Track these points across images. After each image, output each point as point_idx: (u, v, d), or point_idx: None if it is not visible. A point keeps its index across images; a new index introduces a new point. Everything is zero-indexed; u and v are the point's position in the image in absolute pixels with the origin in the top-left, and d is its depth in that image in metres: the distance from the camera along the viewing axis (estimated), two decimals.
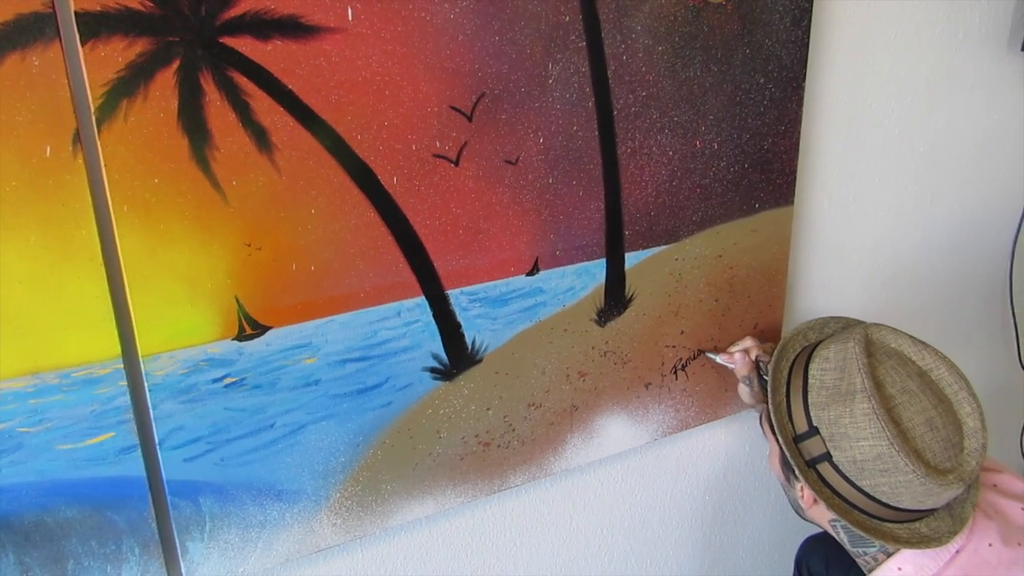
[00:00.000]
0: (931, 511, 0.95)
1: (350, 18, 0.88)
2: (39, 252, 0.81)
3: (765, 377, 1.15)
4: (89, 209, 0.82)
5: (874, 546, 0.97)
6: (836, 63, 1.27)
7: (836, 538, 1.03)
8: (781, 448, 1.01)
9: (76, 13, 0.77)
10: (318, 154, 0.91)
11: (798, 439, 0.98)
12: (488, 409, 1.12)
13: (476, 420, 1.11)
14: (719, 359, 1.25)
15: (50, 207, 0.80)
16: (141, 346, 0.88)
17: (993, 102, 1.47)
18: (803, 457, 0.97)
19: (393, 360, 1.03)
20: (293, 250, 0.93)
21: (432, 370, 1.06)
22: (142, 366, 0.89)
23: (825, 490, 0.95)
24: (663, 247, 1.18)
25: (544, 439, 1.18)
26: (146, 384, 0.89)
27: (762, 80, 1.17)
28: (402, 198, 0.97)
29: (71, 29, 0.77)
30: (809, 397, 0.97)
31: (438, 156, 0.98)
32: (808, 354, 1.03)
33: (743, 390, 1.24)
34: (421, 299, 1.02)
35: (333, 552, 1.10)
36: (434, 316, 1.04)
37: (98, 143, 0.81)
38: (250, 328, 0.93)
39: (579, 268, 1.12)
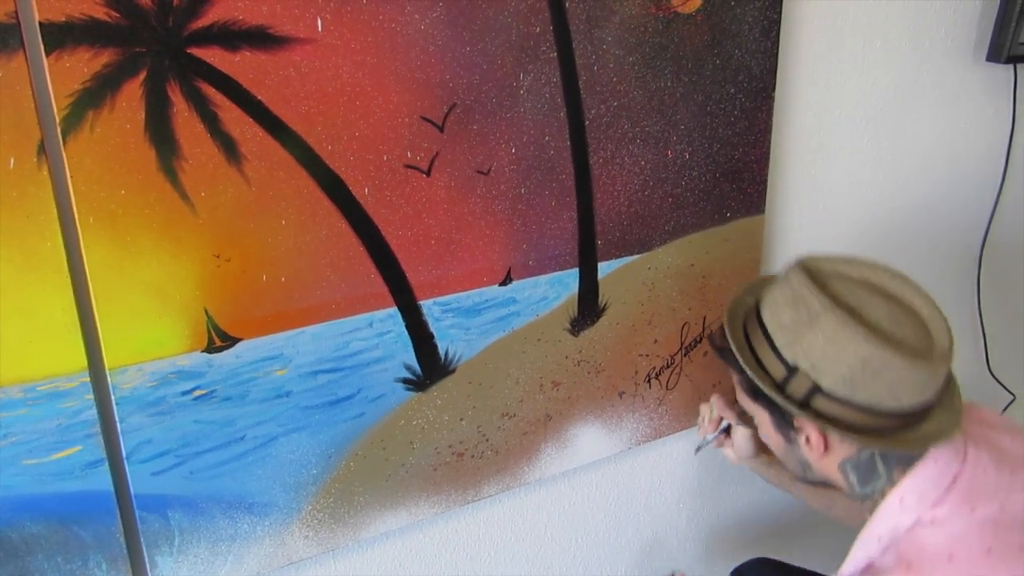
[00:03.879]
0: (930, 409, 0.94)
1: (320, 29, 0.88)
2: (2, 265, 0.80)
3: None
4: (55, 221, 0.81)
5: (880, 477, 0.95)
6: (805, 73, 1.29)
7: (844, 486, 1.00)
8: (770, 406, 0.97)
9: (40, 24, 0.76)
10: (288, 165, 0.91)
11: (781, 387, 0.95)
12: (461, 419, 1.11)
13: (449, 430, 1.11)
14: (711, 440, 1.23)
15: (14, 219, 0.79)
16: (108, 359, 0.87)
17: (959, 111, 1.49)
18: (794, 402, 0.94)
19: (365, 371, 1.02)
20: (263, 261, 0.92)
21: (405, 381, 1.05)
22: (109, 379, 0.88)
23: (828, 425, 0.92)
24: (636, 256, 1.18)
25: (518, 449, 1.18)
26: (113, 397, 0.88)
27: (732, 90, 1.18)
28: (373, 209, 0.97)
29: (35, 40, 0.76)
30: (775, 342, 0.95)
31: (409, 166, 0.98)
32: (755, 311, 1.01)
33: (740, 445, 1.21)
34: (393, 310, 1.02)
35: (305, 565, 1.09)
36: (406, 327, 1.03)
37: (63, 154, 0.80)
38: (220, 340, 0.92)
39: (552, 278, 1.12)
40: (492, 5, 0.97)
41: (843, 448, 0.96)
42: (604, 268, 1.16)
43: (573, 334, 1.17)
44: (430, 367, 1.07)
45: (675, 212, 1.19)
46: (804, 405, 0.93)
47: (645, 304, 1.22)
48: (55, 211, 0.81)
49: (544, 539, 1.32)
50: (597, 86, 1.07)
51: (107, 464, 0.89)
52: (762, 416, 1.03)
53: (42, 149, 0.79)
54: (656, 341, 1.25)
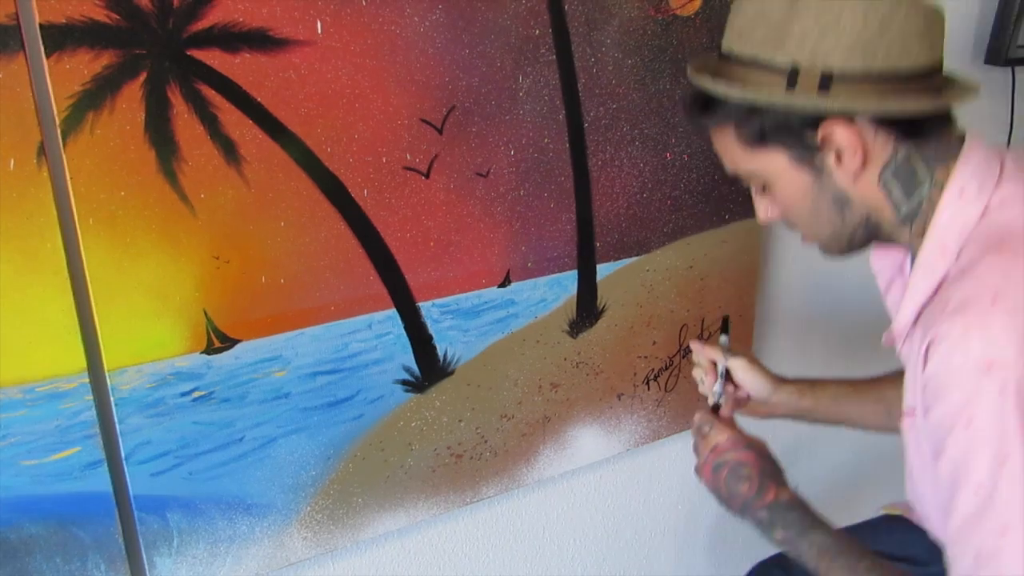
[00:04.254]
0: (943, 79, 0.87)
1: (319, 31, 0.88)
2: (2, 265, 0.80)
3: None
4: (54, 222, 0.81)
5: (923, 182, 0.86)
6: None
7: (889, 207, 0.88)
8: (784, 136, 0.85)
9: (41, 25, 0.76)
10: (287, 167, 0.91)
11: (788, 89, 0.83)
12: (460, 421, 1.11)
13: (448, 432, 1.11)
14: (719, 390, 1.07)
15: (14, 220, 0.79)
16: (107, 360, 0.87)
17: (957, 113, 1.49)
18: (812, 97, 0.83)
19: (364, 372, 1.02)
20: (262, 263, 0.92)
21: (404, 382, 1.05)
22: (108, 380, 0.88)
23: (857, 105, 0.82)
24: (634, 258, 1.18)
25: (516, 450, 1.18)
26: (112, 398, 0.88)
27: None
28: (373, 211, 0.97)
29: (36, 42, 0.77)
30: (760, 59, 0.84)
31: (409, 168, 0.98)
32: (722, 56, 0.89)
33: (748, 381, 1.07)
34: (392, 311, 1.02)
35: (304, 566, 1.09)
36: (405, 328, 1.04)
37: (63, 156, 0.80)
38: (219, 341, 0.92)
39: (551, 280, 1.13)
40: (491, 7, 0.97)
41: (879, 148, 0.85)
42: (603, 270, 1.16)
43: (572, 336, 1.17)
44: (429, 369, 1.07)
45: (673, 214, 1.20)
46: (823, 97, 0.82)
47: (644, 306, 1.22)
48: (55, 212, 0.81)
49: (543, 540, 1.32)
50: (596, 88, 1.07)
51: (106, 465, 0.89)
52: (777, 162, 0.88)
53: (42, 150, 0.79)
54: (654, 343, 1.25)
